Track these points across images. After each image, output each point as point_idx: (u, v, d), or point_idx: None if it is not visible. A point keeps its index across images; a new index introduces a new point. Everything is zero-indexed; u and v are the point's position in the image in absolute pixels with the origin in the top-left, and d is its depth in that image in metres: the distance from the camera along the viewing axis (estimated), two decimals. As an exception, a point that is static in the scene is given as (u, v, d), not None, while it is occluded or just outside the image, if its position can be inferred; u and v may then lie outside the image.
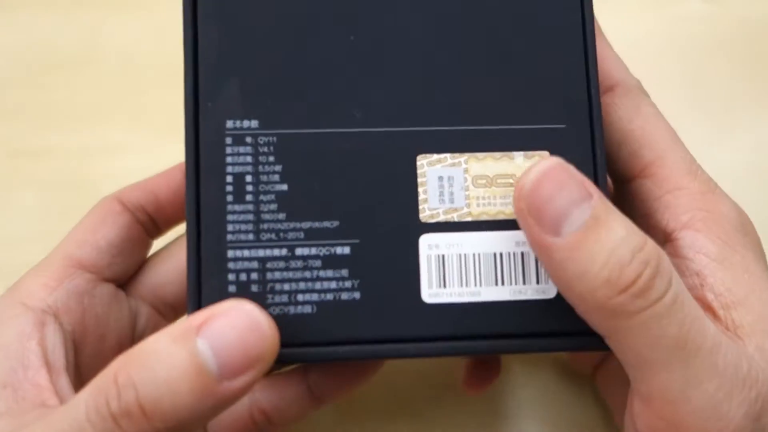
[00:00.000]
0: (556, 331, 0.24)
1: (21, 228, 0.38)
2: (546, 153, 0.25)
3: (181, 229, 0.31)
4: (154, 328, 0.29)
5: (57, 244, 0.28)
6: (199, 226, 0.24)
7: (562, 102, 0.25)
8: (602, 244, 0.21)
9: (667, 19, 0.43)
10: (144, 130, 0.39)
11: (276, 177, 0.24)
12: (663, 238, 0.25)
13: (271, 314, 0.23)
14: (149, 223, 0.29)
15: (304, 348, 0.23)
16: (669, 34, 0.43)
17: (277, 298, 0.23)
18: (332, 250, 0.24)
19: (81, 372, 0.26)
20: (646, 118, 0.27)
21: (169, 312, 0.30)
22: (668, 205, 0.26)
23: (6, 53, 0.41)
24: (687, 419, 0.22)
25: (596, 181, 0.25)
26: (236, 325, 0.21)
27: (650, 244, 0.22)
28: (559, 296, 0.24)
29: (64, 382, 0.24)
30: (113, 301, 0.28)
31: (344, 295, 0.24)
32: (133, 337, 0.29)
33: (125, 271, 0.29)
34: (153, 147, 0.39)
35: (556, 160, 0.22)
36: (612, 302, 0.21)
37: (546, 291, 0.24)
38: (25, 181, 0.38)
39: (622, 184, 0.28)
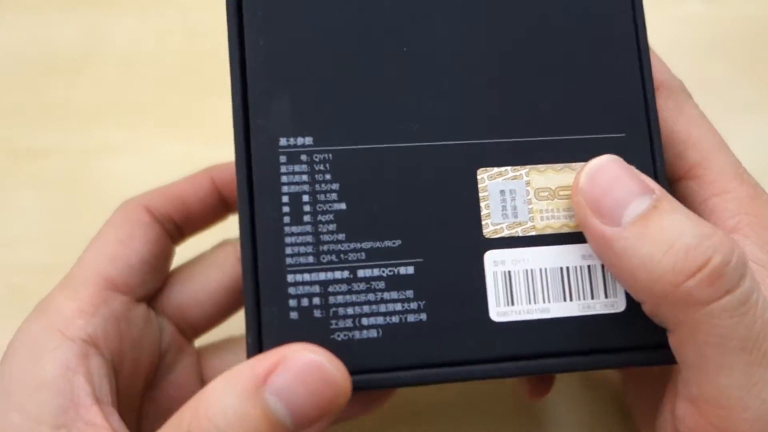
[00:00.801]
0: (627, 346, 0.23)
1: (21, 228, 0.37)
2: (607, 163, 0.24)
3: (200, 237, 0.30)
4: (177, 348, 0.28)
5: (81, 253, 0.26)
6: (256, 250, 0.22)
7: (620, 110, 0.24)
8: (665, 229, 0.20)
9: (667, 20, 0.43)
10: (144, 130, 0.39)
11: (334, 196, 0.23)
12: None
13: (335, 340, 0.22)
14: (176, 232, 0.28)
15: (370, 375, 0.22)
16: (669, 34, 0.43)
17: (341, 323, 0.22)
18: (396, 270, 0.23)
19: (118, 398, 0.25)
20: (690, 120, 0.26)
21: (189, 330, 0.28)
22: (714, 209, 0.25)
23: (6, 53, 0.40)
24: (740, 427, 0.21)
25: (657, 189, 0.24)
26: (306, 379, 0.20)
27: (720, 234, 0.21)
28: (628, 309, 0.23)
29: (116, 419, 0.23)
30: (147, 324, 0.26)
31: (410, 318, 0.23)
32: (160, 354, 0.27)
33: (155, 288, 0.27)
34: (153, 147, 0.38)
35: (609, 155, 0.22)
36: (679, 290, 0.20)
37: (615, 305, 0.23)
38: (25, 181, 0.38)
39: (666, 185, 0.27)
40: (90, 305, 0.25)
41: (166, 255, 0.28)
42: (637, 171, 0.22)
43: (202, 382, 0.28)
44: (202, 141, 0.36)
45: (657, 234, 0.21)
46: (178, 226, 0.28)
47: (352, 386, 0.21)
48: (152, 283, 0.27)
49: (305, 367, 0.20)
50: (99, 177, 0.37)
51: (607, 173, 0.22)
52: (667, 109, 0.27)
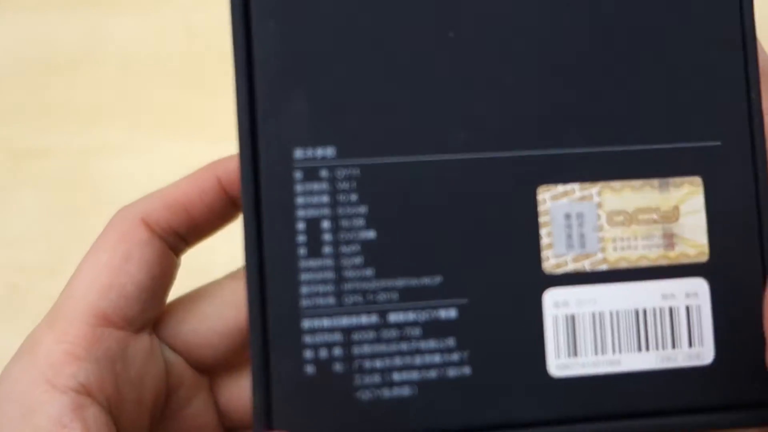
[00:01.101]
0: (715, 405, 0.19)
1: (21, 228, 0.37)
2: (698, 179, 0.19)
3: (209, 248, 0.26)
4: (190, 384, 0.24)
5: (70, 279, 0.23)
6: (264, 289, 0.18)
7: (716, 113, 0.20)
8: None
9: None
10: (144, 130, 0.39)
11: (360, 221, 0.19)
12: None
13: (360, 400, 0.18)
14: (180, 243, 0.24)
15: (403, 439, 0.19)
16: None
17: (367, 379, 0.18)
18: (435, 313, 0.19)
19: None
20: None
21: (202, 367, 0.25)
22: None
23: (6, 53, 0.41)
24: None
25: (758, 209, 0.20)
26: None
27: None
28: (717, 361, 0.19)
29: None
30: (149, 358, 0.23)
31: (451, 371, 0.19)
32: (168, 391, 0.24)
33: (157, 314, 0.24)
34: (153, 147, 0.38)
35: None
36: None
37: (700, 355, 0.19)
38: (25, 181, 0.38)
39: None
40: (80, 347, 0.21)
41: (169, 273, 0.24)
42: None
43: (219, 411, 0.25)
44: (203, 140, 0.36)
45: None
46: (182, 236, 0.24)
47: None
48: (153, 310, 0.23)
49: None
50: (99, 177, 0.37)
51: None
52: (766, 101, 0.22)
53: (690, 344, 0.19)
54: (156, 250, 0.23)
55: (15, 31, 0.41)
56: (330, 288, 0.18)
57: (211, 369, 0.25)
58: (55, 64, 0.40)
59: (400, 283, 0.19)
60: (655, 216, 0.19)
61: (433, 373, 0.19)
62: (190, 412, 0.25)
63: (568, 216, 0.19)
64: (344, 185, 0.19)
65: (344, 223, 0.19)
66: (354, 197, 0.19)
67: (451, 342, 0.19)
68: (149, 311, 0.23)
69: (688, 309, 0.19)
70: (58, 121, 0.39)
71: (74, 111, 0.39)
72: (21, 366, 0.21)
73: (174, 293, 0.26)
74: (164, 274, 0.24)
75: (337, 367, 0.18)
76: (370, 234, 0.19)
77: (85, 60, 0.40)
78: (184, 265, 0.27)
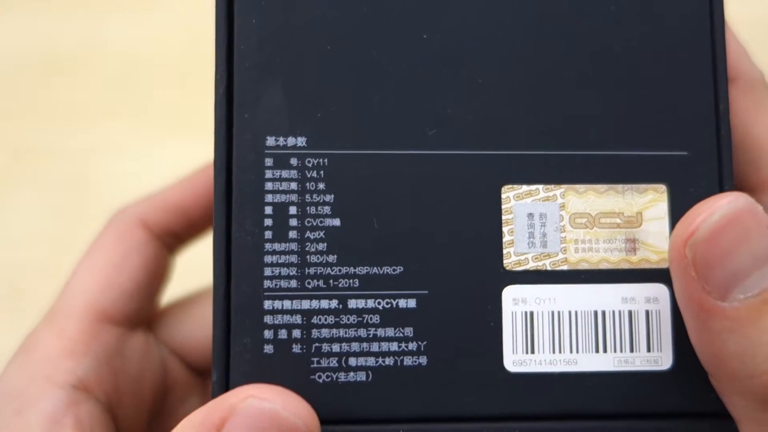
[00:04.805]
0: (672, 412, 0.19)
1: (21, 228, 0.37)
2: (663, 187, 0.20)
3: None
4: (186, 384, 0.25)
5: (68, 278, 0.24)
6: (230, 270, 0.19)
7: (683, 123, 0.20)
8: None
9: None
10: (144, 130, 0.39)
11: (326, 209, 0.19)
12: None
13: (316, 382, 0.18)
14: (176, 243, 0.25)
15: (356, 425, 0.19)
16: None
17: (324, 362, 0.19)
18: (394, 302, 0.19)
19: None
20: None
21: (198, 370, 0.25)
22: None
23: (6, 53, 0.41)
24: None
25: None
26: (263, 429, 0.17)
27: None
28: (676, 368, 0.19)
29: None
30: (146, 354, 0.23)
31: (408, 360, 0.19)
32: (165, 388, 0.24)
33: (153, 312, 0.25)
34: (153, 147, 0.38)
35: (746, 201, 0.17)
36: None
37: (659, 360, 0.19)
38: (26, 181, 0.38)
39: None
40: (79, 343, 0.22)
41: (165, 272, 0.25)
42: (766, 217, 0.17)
43: None
44: (203, 141, 0.35)
45: None
46: (178, 236, 0.25)
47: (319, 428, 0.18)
48: (148, 308, 0.24)
49: (256, 420, 0.17)
50: (99, 177, 0.38)
51: (737, 229, 0.17)
52: (743, 106, 0.22)
53: (648, 349, 0.19)
54: (153, 250, 0.24)
55: (15, 31, 0.41)
56: (293, 272, 0.19)
57: (206, 371, 0.25)
58: (55, 64, 0.40)
59: (362, 270, 0.19)
60: (618, 220, 0.20)
61: (389, 361, 0.19)
62: (185, 411, 0.25)
63: (531, 215, 0.20)
64: (313, 174, 0.19)
65: (311, 210, 0.19)
66: (321, 186, 0.19)
67: (408, 331, 0.19)
68: (145, 309, 0.24)
69: (648, 314, 0.19)
70: (58, 121, 0.39)
71: (74, 111, 0.39)
72: (19, 363, 0.22)
73: (172, 293, 0.27)
74: (160, 273, 0.24)
75: (296, 348, 0.19)
76: (336, 222, 0.19)
77: (85, 60, 0.40)
78: (182, 264, 0.27)
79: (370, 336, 0.19)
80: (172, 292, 0.26)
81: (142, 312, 0.24)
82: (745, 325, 0.16)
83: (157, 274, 0.24)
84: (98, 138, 0.39)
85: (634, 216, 0.20)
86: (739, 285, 0.16)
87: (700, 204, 0.17)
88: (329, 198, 0.19)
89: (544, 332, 0.19)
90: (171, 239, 0.25)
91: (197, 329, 0.25)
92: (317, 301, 0.19)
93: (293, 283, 0.19)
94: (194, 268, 0.27)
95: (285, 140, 0.19)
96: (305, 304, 0.19)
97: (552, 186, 0.20)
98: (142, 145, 0.38)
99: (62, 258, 0.27)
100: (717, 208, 0.17)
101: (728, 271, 0.17)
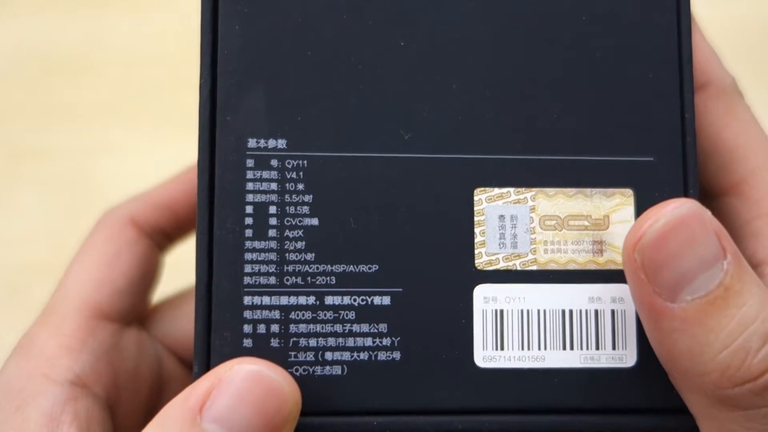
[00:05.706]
0: (636, 407, 0.20)
1: (21, 228, 0.37)
2: (629, 191, 0.21)
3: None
4: (180, 379, 0.25)
5: (62, 278, 0.24)
6: (211, 266, 0.20)
7: (650, 130, 0.21)
8: (727, 322, 0.17)
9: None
10: (144, 130, 0.39)
11: (305, 209, 0.20)
12: None
13: (293, 375, 0.19)
14: (166, 241, 0.26)
15: (332, 417, 0.20)
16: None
17: (301, 356, 0.20)
18: (369, 299, 0.20)
19: None
20: (741, 126, 0.22)
21: (190, 363, 0.26)
22: (757, 233, 0.21)
23: (6, 53, 0.41)
24: None
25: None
26: (246, 396, 0.17)
27: None
28: (640, 365, 0.20)
29: None
30: (141, 350, 0.24)
31: (381, 355, 0.20)
32: (161, 384, 0.25)
33: (145, 308, 0.25)
34: (153, 147, 0.38)
35: (691, 206, 0.18)
36: (723, 393, 0.17)
37: (623, 358, 0.20)
38: (26, 181, 0.38)
39: (706, 199, 0.23)
40: (76, 340, 0.22)
41: (155, 270, 0.25)
42: (712, 222, 0.18)
43: None
44: None
45: (716, 325, 0.17)
46: (168, 234, 0.25)
47: (300, 394, 0.19)
48: (141, 305, 0.24)
49: (243, 382, 0.18)
50: (99, 177, 0.38)
51: (683, 233, 0.18)
52: (715, 111, 0.23)
53: (614, 347, 0.20)
54: (144, 247, 0.24)
55: (15, 32, 0.41)
56: (272, 269, 0.20)
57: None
58: (55, 64, 0.40)
59: (339, 268, 0.20)
60: (586, 223, 0.20)
61: (364, 355, 0.20)
62: None
63: (502, 217, 0.20)
64: (292, 175, 0.20)
65: (290, 209, 0.20)
66: (300, 186, 0.20)
67: (383, 327, 0.20)
68: (138, 305, 0.24)
69: (613, 313, 0.20)
70: (58, 121, 0.39)
71: (74, 111, 0.39)
72: (17, 361, 0.22)
73: (163, 291, 0.27)
74: (151, 270, 0.25)
75: (274, 342, 0.20)
76: (314, 221, 0.20)
77: (85, 60, 0.40)
78: (178, 264, 0.28)
79: (346, 331, 0.20)
80: (162, 290, 0.27)
81: (135, 308, 0.24)
82: (693, 325, 0.17)
83: (148, 271, 0.25)
84: (98, 138, 0.39)
85: (601, 219, 0.21)
86: (686, 287, 0.17)
87: (648, 210, 0.18)
88: (308, 198, 0.20)
89: (514, 330, 0.20)
90: (160, 237, 0.25)
91: (189, 325, 0.26)
92: (295, 297, 0.20)
93: (272, 280, 0.20)
94: (183, 266, 0.28)
95: (266, 142, 0.20)
96: (284, 300, 0.20)
97: (523, 189, 0.20)
98: (142, 145, 0.38)
99: (62, 258, 0.26)
100: (662, 215, 0.18)
101: (676, 274, 0.17)
